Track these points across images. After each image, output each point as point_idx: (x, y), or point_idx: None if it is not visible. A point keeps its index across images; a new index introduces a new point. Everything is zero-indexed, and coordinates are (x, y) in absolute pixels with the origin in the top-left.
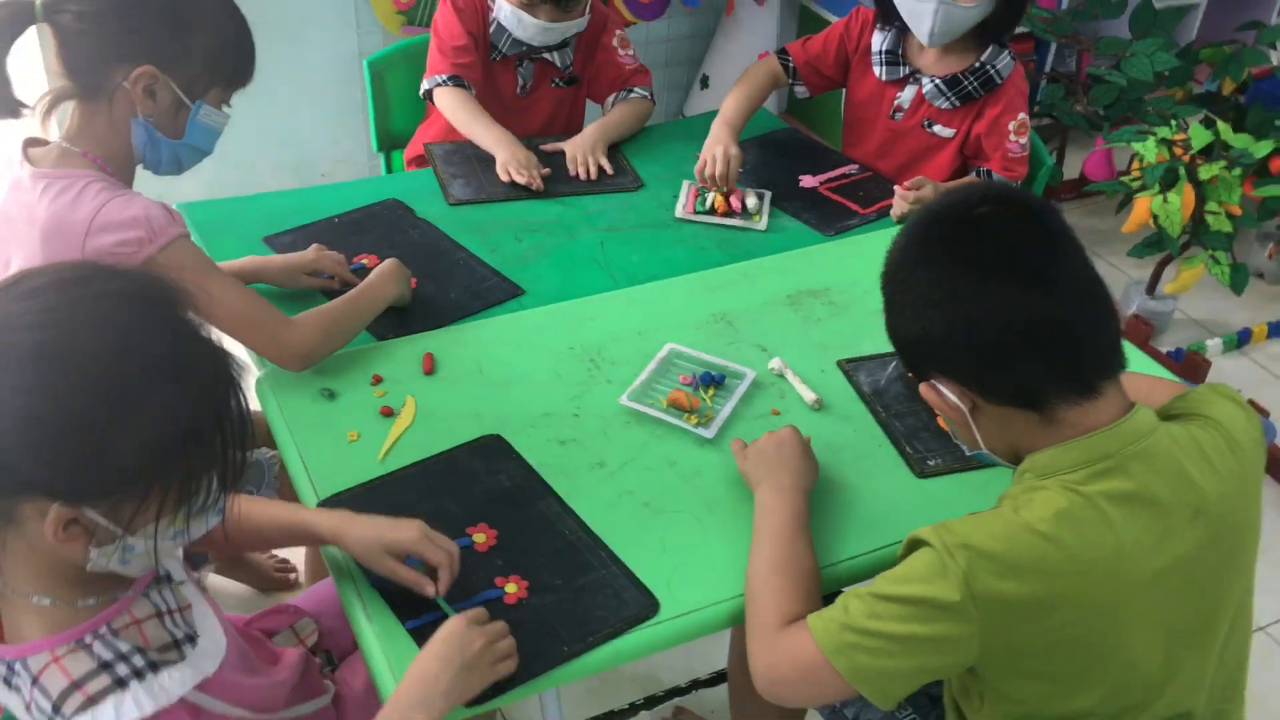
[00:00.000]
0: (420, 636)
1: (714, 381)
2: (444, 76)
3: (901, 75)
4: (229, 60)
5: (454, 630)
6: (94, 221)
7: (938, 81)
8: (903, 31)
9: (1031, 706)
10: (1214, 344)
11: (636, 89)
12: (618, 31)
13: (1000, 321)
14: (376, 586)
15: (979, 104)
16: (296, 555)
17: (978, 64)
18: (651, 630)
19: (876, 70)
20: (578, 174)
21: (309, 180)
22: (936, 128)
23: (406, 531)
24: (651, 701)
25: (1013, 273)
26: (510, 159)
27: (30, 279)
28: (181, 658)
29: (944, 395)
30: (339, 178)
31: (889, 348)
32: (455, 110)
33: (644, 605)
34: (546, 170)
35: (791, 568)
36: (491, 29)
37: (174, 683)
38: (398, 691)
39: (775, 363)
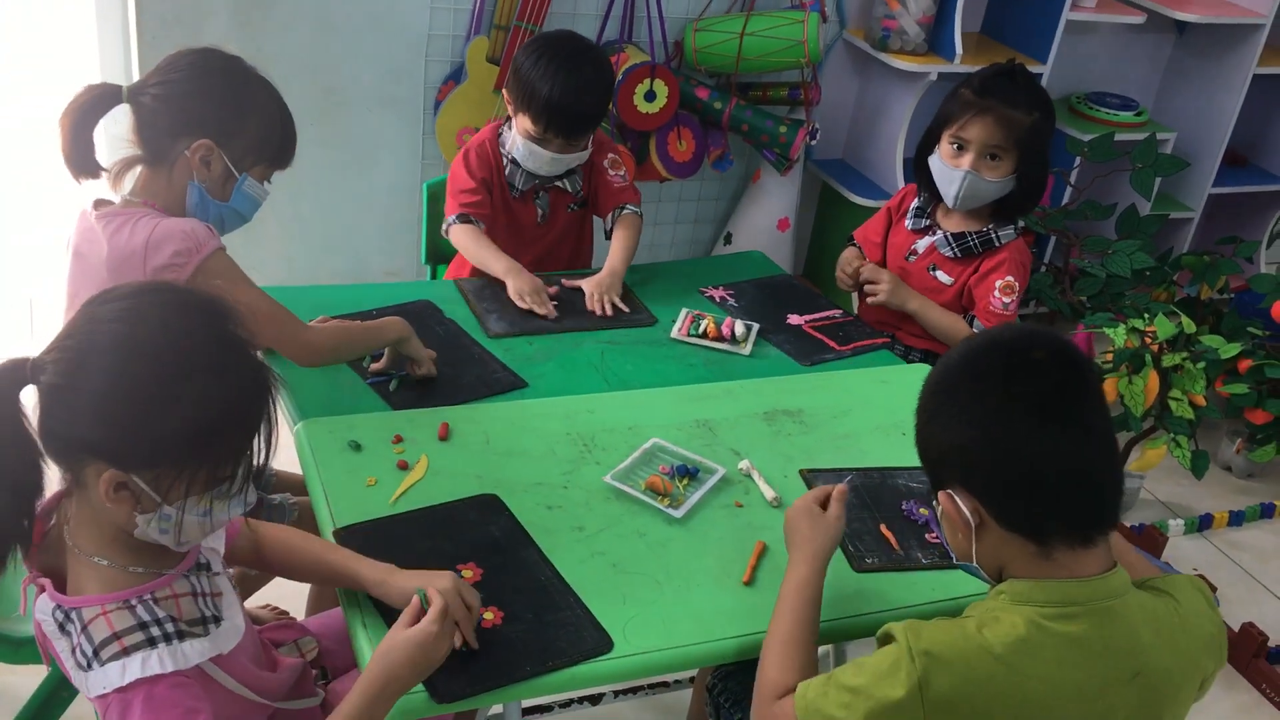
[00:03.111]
0: None
1: (688, 473)
2: (454, 216)
3: (923, 226)
4: (274, 144)
5: (428, 638)
6: (150, 240)
7: (948, 234)
8: (934, 197)
9: None
10: (1176, 524)
11: (629, 206)
12: (609, 155)
13: (1037, 458)
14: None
15: (978, 260)
16: (298, 596)
17: (985, 229)
18: (604, 664)
19: (907, 222)
20: (594, 311)
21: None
22: (939, 274)
23: (440, 581)
24: None
25: (1058, 418)
26: (522, 287)
27: (117, 290)
28: (205, 633)
29: (959, 506)
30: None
31: (847, 464)
32: (466, 244)
33: (599, 642)
34: (554, 288)
35: (792, 640)
36: (506, 170)
37: (194, 652)
38: (366, 681)
39: (744, 464)
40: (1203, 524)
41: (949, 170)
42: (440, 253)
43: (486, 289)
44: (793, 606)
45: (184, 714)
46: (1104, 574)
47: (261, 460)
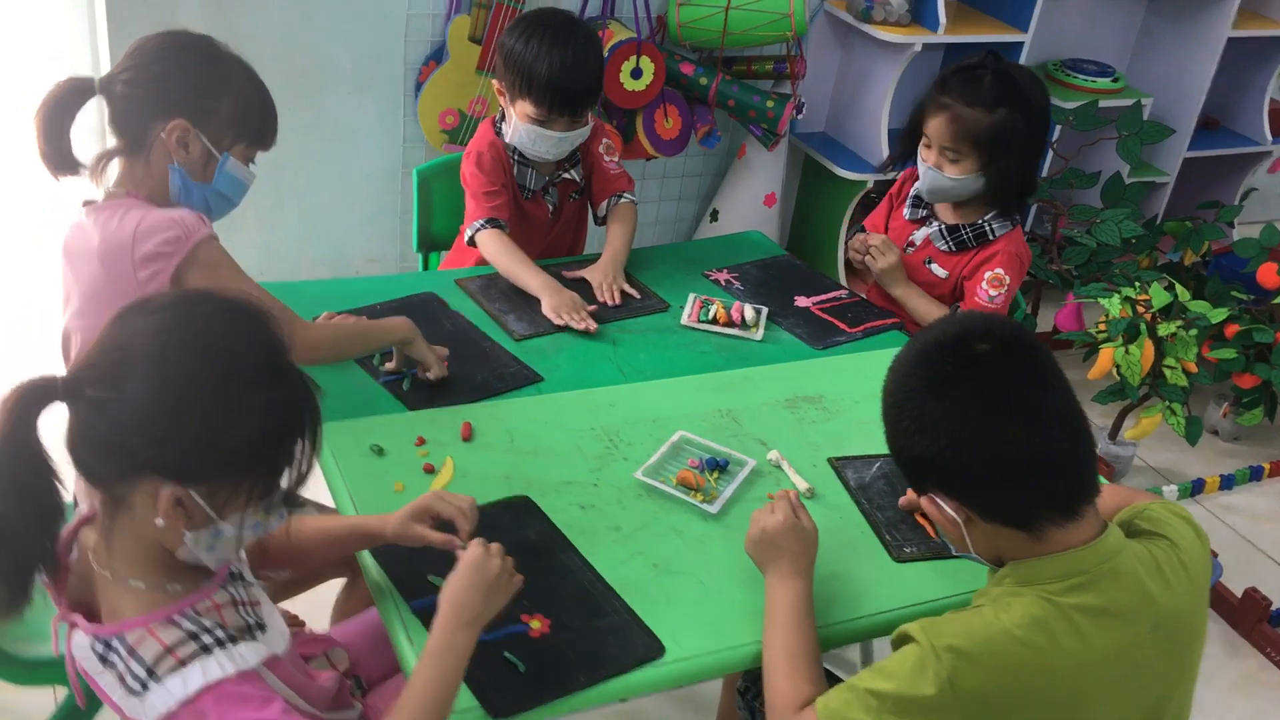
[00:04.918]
0: (424, 616)
1: (719, 466)
2: (482, 221)
3: (919, 216)
4: (252, 121)
5: (475, 558)
6: (138, 230)
7: (942, 227)
8: None
9: None
10: (1169, 490)
11: (626, 194)
12: (604, 140)
13: (1001, 453)
14: (388, 572)
15: (971, 253)
16: (323, 604)
17: (979, 221)
18: (656, 670)
19: (905, 211)
20: (604, 301)
21: (342, 275)
22: (934, 266)
23: (422, 497)
24: None
25: (1014, 409)
26: (559, 304)
27: (155, 299)
28: (254, 638)
29: (942, 509)
30: (369, 275)
31: (874, 450)
32: (498, 254)
33: (651, 648)
34: (593, 307)
35: (799, 653)
36: (515, 172)
37: (251, 653)
38: (439, 620)
39: (773, 455)
40: (1195, 489)
41: (920, 165)
42: (433, 240)
43: (492, 287)
44: (795, 621)
45: (262, 703)
46: (1098, 538)
47: (306, 466)
